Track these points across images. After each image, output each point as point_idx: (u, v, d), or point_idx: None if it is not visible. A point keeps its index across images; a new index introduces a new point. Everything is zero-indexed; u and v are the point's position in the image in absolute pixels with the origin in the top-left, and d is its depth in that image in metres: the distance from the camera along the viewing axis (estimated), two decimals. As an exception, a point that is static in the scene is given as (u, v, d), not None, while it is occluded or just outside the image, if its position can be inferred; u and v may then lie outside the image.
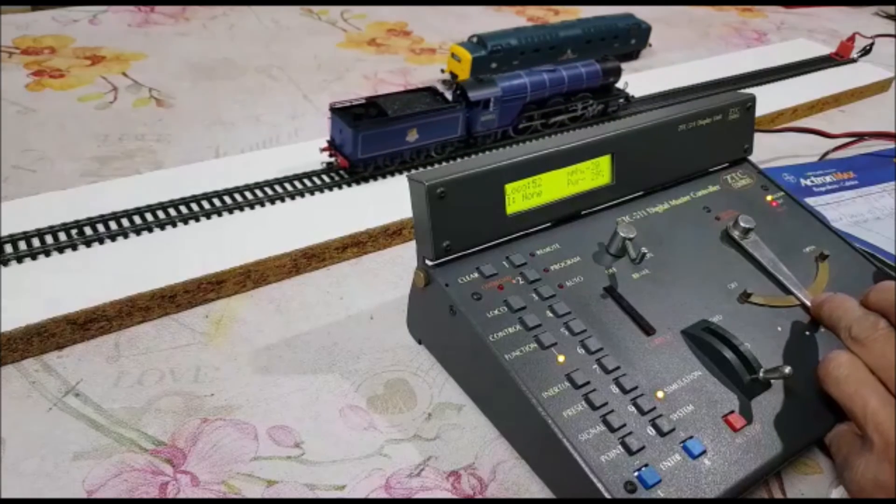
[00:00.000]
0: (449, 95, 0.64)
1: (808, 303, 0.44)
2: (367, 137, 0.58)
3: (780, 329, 0.43)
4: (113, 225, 0.52)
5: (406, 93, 0.63)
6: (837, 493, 0.39)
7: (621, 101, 0.76)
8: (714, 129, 0.51)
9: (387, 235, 0.56)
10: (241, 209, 0.56)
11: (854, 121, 0.86)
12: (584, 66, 0.71)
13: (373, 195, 0.59)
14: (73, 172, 0.62)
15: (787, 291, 0.45)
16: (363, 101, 0.60)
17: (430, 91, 0.64)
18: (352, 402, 0.43)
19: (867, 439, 0.35)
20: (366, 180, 0.61)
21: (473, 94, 0.64)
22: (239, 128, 0.72)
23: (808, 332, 0.43)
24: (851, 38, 0.99)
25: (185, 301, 0.48)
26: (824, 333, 0.43)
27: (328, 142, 0.61)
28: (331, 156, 0.61)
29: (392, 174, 0.62)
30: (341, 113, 0.59)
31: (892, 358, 0.36)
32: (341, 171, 0.61)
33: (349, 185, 0.60)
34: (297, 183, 0.59)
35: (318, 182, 0.60)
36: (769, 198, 0.52)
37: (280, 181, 0.59)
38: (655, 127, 0.48)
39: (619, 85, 0.76)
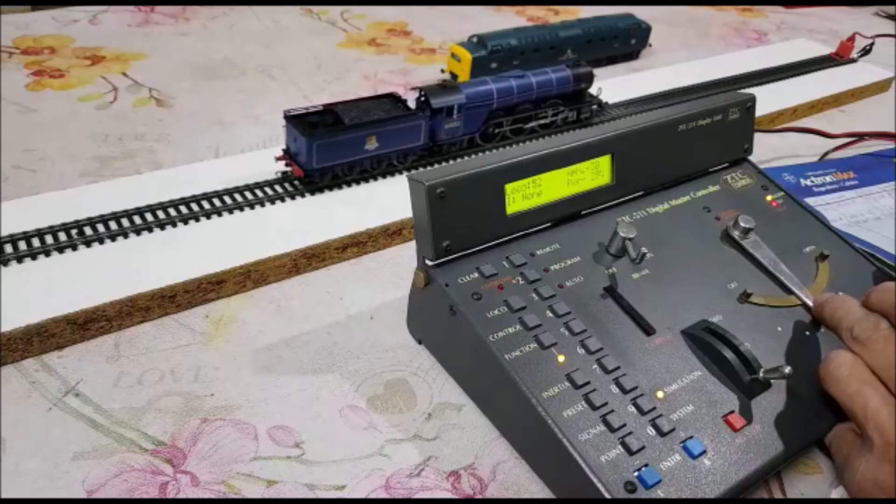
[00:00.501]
0: (413, 102, 0.63)
1: (809, 303, 0.44)
2: (323, 146, 0.56)
3: (780, 329, 0.43)
4: (113, 225, 0.52)
5: (366, 100, 0.61)
6: (837, 493, 0.39)
7: (594, 107, 0.75)
8: (714, 129, 0.51)
9: (387, 235, 0.56)
10: (241, 209, 0.56)
11: (854, 121, 0.86)
12: (554, 72, 0.70)
13: (333, 203, 0.58)
14: (73, 172, 0.62)
15: (788, 291, 0.45)
16: (320, 109, 0.59)
17: (392, 98, 0.62)
18: (352, 402, 0.43)
19: (867, 439, 0.35)
20: (321, 190, 0.58)
21: (436, 102, 0.62)
22: (239, 128, 0.72)
23: (808, 332, 0.43)
24: (851, 38, 0.99)
25: (185, 301, 0.48)
26: (825, 333, 0.43)
27: (283, 150, 0.59)
28: (287, 165, 0.59)
29: (350, 184, 0.60)
30: (296, 121, 0.57)
31: (892, 358, 0.36)
32: (296, 181, 0.59)
33: (303, 195, 0.58)
34: (286, 186, 0.59)
35: (272, 192, 0.58)
36: (769, 198, 0.52)
37: (270, 183, 0.59)
38: (655, 127, 0.48)
39: (594, 91, 0.74)
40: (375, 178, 0.61)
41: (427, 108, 0.62)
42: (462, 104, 0.63)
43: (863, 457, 0.36)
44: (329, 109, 0.59)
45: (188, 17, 0.99)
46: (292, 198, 0.58)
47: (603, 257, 0.44)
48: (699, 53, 1.03)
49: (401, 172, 0.61)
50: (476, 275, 0.41)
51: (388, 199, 0.59)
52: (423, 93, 0.62)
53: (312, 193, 0.58)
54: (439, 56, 0.95)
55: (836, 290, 0.44)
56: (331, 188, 0.59)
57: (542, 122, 0.71)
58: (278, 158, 0.59)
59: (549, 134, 0.72)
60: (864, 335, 0.38)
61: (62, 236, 0.51)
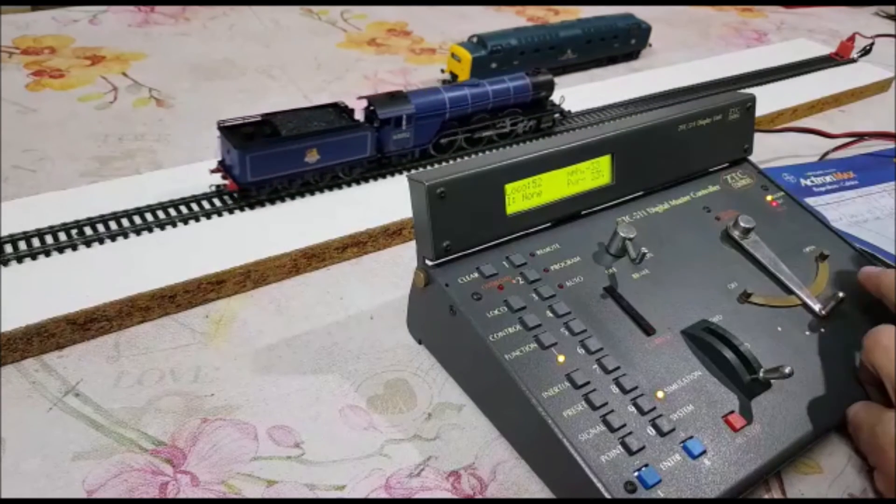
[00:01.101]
0: (360, 114, 0.60)
1: (809, 302, 0.44)
2: (257, 159, 0.54)
3: (780, 329, 0.43)
4: (113, 225, 0.52)
5: (309, 110, 0.59)
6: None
7: (556, 115, 0.72)
8: (714, 129, 0.51)
9: (387, 235, 0.56)
10: (242, 209, 0.56)
11: (854, 121, 0.86)
12: (511, 81, 0.67)
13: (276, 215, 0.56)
14: (73, 172, 0.62)
15: (788, 291, 0.45)
16: (258, 119, 0.56)
17: (336, 108, 0.59)
18: (352, 402, 0.43)
19: None
20: (262, 204, 0.56)
21: (383, 112, 0.59)
22: (239, 128, 0.72)
23: (808, 332, 0.43)
24: (851, 38, 0.99)
25: (185, 301, 0.48)
26: (825, 333, 0.43)
27: (219, 163, 0.57)
28: (223, 178, 0.56)
29: (293, 197, 0.57)
30: (229, 132, 0.54)
31: None
32: (230, 196, 0.56)
33: (239, 210, 0.55)
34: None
35: (207, 207, 0.55)
36: (769, 198, 0.52)
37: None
38: (655, 127, 0.48)
39: (556, 99, 0.72)
40: (321, 191, 0.59)
41: (374, 119, 0.59)
42: (411, 115, 0.60)
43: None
44: (267, 120, 0.56)
45: (188, 17, 0.99)
46: (231, 211, 0.55)
47: (603, 257, 0.44)
48: (699, 53, 1.03)
49: (349, 185, 0.58)
50: (476, 275, 0.41)
51: (388, 200, 0.59)
52: (369, 103, 0.60)
53: (290, 198, 0.58)
54: (439, 56, 0.95)
55: (837, 291, 0.44)
56: (283, 198, 0.57)
57: (501, 131, 0.68)
58: (213, 171, 0.56)
59: (509, 144, 0.69)
60: None
61: (62, 236, 0.51)
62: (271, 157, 0.54)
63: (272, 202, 0.57)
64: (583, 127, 0.73)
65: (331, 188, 0.59)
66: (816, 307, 0.44)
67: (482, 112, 0.66)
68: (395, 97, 0.61)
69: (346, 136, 0.57)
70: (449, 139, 0.65)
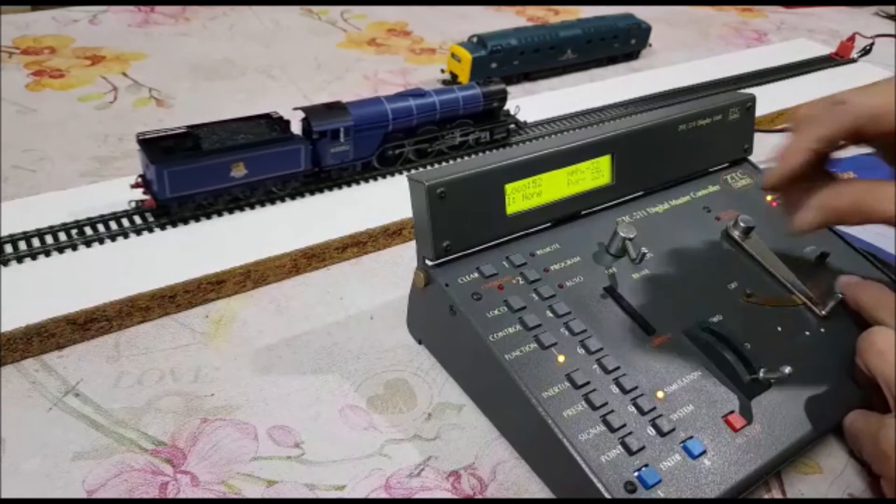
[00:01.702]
0: (297, 125, 0.58)
1: (809, 303, 0.44)
2: (177, 174, 0.51)
3: (780, 329, 0.43)
4: (113, 225, 0.52)
5: (238, 121, 0.56)
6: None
7: (511, 126, 0.70)
8: (714, 129, 0.51)
9: (387, 235, 0.56)
10: (242, 209, 0.56)
11: (854, 121, 0.86)
12: (460, 91, 0.64)
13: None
14: (73, 172, 0.62)
15: (789, 291, 0.45)
16: (182, 131, 0.54)
17: (269, 119, 0.57)
18: (352, 402, 0.43)
19: None
20: (185, 221, 0.54)
21: (318, 125, 0.56)
22: (239, 128, 0.72)
23: (808, 332, 0.43)
24: (851, 38, 0.99)
25: (185, 301, 0.48)
26: (825, 333, 0.43)
27: (140, 177, 0.54)
28: (144, 193, 0.53)
29: (220, 213, 0.55)
30: (148, 146, 0.52)
31: None
32: (148, 213, 0.53)
33: (311, 193, 0.56)
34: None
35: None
36: (769, 198, 0.52)
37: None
38: (655, 127, 0.48)
39: (512, 109, 0.70)
40: (252, 207, 0.56)
41: (310, 132, 0.57)
42: (349, 127, 0.58)
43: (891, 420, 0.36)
44: (190, 133, 0.53)
45: (188, 17, 0.99)
46: (230, 212, 0.55)
47: (603, 257, 0.44)
48: (699, 53, 1.03)
49: (283, 200, 0.56)
50: (476, 275, 0.41)
51: (388, 200, 0.58)
52: (305, 115, 0.57)
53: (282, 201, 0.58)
54: (439, 56, 0.95)
55: (837, 291, 0.44)
56: (187, 220, 0.54)
57: (451, 143, 0.65)
58: (133, 186, 0.53)
59: (462, 156, 0.66)
60: None
61: (62, 236, 0.51)
62: (192, 171, 0.52)
63: (272, 202, 0.57)
64: (540, 137, 0.71)
65: (327, 189, 0.59)
66: (816, 307, 0.44)
67: (429, 123, 0.63)
68: (333, 108, 0.58)
69: (276, 149, 0.55)
70: (396, 151, 0.62)
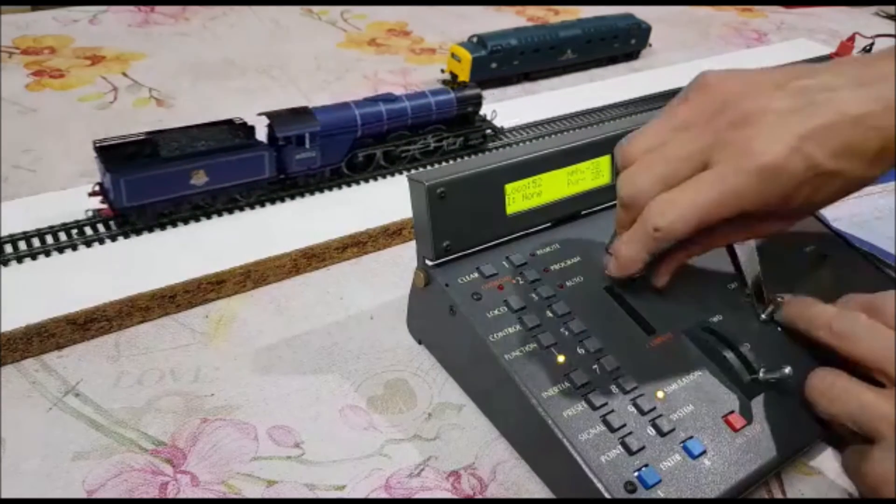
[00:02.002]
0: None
1: (756, 302, 0.43)
2: (134, 182, 0.50)
3: (780, 329, 0.43)
4: (113, 225, 0.52)
5: (200, 127, 0.55)
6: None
7: (488, 132, 0.68)
8: (714, 129, 0.51)
9: (387, 235, 0.56)
10: (241, 209, 0.56)
11: (854, 121, 0.86)
12: (433, 96, 0.63)
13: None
14: (73, 172, 0.62)
15: (758, 297, 0.44)
16: (141, 138, 0.52)
17: (231, 125, 0.55)
18: (352, 402, 0.43)
19: (874, 434, 0.34)
20: (261, 205, 0.54)
21: (282, 131, 0.55)
22: (239, 128, 0.72)
23: (808, 332, 0.43)
24: (851, 38, 0.99)
25: (185, 301, 0.48)
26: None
27: (99, 185, 0.52)
28: (102, 202, 0.52)
29: (185, 221, 0.53)
30: (105, 153, 0.50)
31: (882, 346, 0.35)
32: (107, 222, 0.52)
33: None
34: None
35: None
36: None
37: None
38: (655, 127, 0.48)
39: (488, 115, 0.69)
40: (209, 217, 0.54)
41: (275, 138, 0.56)
42: (315, 132, 0.56)
43: (874, 455, 0.34)
44: (149, 139, 0.52)
45: (188, 17, 0.99)
46: (230, 212, 0.55)
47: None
48: (699, 53, 1.03)
49: (242, 209, 0.55)
50: (476, 275, 0.41)
51: (388, 200, 0.58)
52: (269, 120, 0.56)
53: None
54: (439, 56, 0.95)
55: (836, 291, 0.44)
56: (152, 229, 0.52)
57: (424, 149, 0.64)
58: (91, 194, 0.52)
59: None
60: (845, 328, 0.37)
61: (62, 236, 0.51)
62: (150, 179, 0.50)
63: (272, 202, 0.57)
64: (518, 143, 0.70)
65: (233, 210, 0.56)
66: (758, 309, 0.44)
67: (401, 128, 0.62)
68: (299, 114, 0.57)
69: (238, 156, 0.53)
70: (366, 157, 0.61)
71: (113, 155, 0.50)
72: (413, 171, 0.58)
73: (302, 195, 0.58)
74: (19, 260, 0.48)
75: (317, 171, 0.58)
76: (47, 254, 0.49)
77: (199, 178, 0.52)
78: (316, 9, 1.07)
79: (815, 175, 0.33)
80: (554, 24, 0.91)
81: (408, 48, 0.97)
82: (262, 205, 0.56)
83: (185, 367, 0.44)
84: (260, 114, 0.56)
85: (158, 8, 1.01)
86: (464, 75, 0.82)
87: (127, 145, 0.51)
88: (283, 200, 0.57)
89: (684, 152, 0.35)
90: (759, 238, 0.42)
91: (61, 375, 0.43)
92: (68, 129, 0.69)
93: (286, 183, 0.58)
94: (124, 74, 0.81)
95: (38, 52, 0.85)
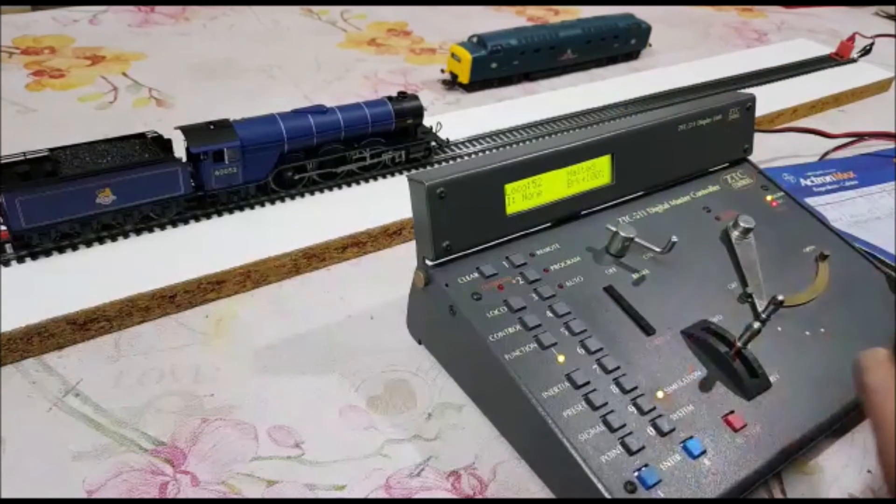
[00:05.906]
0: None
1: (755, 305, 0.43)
2: (30, 203, 0.46)
3: (779, 329, 0.43)
4: (8, 248, 0.49)
5: (108, 142, 0.51)
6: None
7: (433, 144, 0.64)
8: (714, 129, 0.51)
9: (387, 235, 0.56)
10: (241, 209, 0.56)
11: (854, 121, 0.86)
12: (369, 107, 0.59)
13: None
14: (73, 172, 0.62)
15: (756, 296, 0.44)
16: (42, 155, 0.49)
17: (143, 140, 0.52)
18: (352, 402, 0.43)
19: None
20: (263, 204, 0.53)
21: (195, 146, 0.51)
22: (239, 128, 0.72)
23: (808, 332, 0.43)
24: (851, 38, 0.99)
25: (185, 301, 0.48)
26: (825, 333, 0.43)
27: None
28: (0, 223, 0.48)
29: (90, 244, 0.50)
30: (0, 172, 0.47)
31: None
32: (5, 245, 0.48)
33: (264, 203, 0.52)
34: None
35: (206, 207, 0.52)
36: (769, 198, 0.52)
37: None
38: (655, 127, 0.48)
39: (434, 126, 0.65)
40: (126, 236, 0.51)
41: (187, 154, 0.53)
42: (236, 147, 0.53)
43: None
44: (49, 156, 0.49)
45: (188, 17, 0.99)
46: (230, 212, 0.55)
47: (603, 257, 0.44)
48: (699, 53, 1.03)
49: (164, 227, 0.52)
50: (476, 275, 0.41)
51: (388, 200, 0.58)
52: (184, 135, 0.53)
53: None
54: (439, 56, 0.95)
55: (836, 291, 0.44)
56: (50, 252, 0.49)
57: (361, 164, 0.60)
58: None
59: (375, 176, 0.61)
60: None
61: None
62: (49, 199, 0.47)
63: (273, 201, 0.57)
64: (463, 157, 0.67)
65: (153, 230, 0.53)
66: (816, 307, 0.44)
67: (333, 142, 0.58)
68: (218, 128, 0.53)
69: (147, 172, 0.50)
70: (298, 172, 0.57)
71: (9, 174, 0.47)
72: (350, 187, 0.57)
73: (231, 212, 0.55)
74: (19, 260, 0.48)
75: (240, 188, 0.55)
76: (47, 254, 0.49)
77: (106, 197, 0.49)
78: (316, 9, 1.07)
79: None
80: (554, 24, 0.91)
81: (408, 48, 0.97)
82: (262, 205, 0.56)
83: (184, 367, 0.44)
84: (177, 128, 0.53)
85: (158, 8, 1.01)
86: (464, 75, 0.82)
87: (25, 163, 0.48)
88: (282, 201, 0.57)
89: None
90: None
91: (61, 375, 0.43)
92: (68, 129, 0.69)
93: (205, 200, 0.54)
94: (124, 74, 0.81)
95: (38, 52, 0.85)
